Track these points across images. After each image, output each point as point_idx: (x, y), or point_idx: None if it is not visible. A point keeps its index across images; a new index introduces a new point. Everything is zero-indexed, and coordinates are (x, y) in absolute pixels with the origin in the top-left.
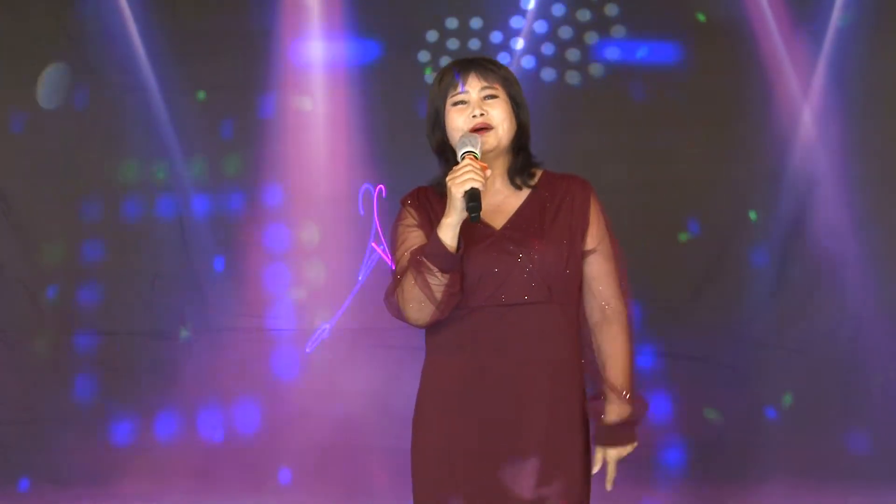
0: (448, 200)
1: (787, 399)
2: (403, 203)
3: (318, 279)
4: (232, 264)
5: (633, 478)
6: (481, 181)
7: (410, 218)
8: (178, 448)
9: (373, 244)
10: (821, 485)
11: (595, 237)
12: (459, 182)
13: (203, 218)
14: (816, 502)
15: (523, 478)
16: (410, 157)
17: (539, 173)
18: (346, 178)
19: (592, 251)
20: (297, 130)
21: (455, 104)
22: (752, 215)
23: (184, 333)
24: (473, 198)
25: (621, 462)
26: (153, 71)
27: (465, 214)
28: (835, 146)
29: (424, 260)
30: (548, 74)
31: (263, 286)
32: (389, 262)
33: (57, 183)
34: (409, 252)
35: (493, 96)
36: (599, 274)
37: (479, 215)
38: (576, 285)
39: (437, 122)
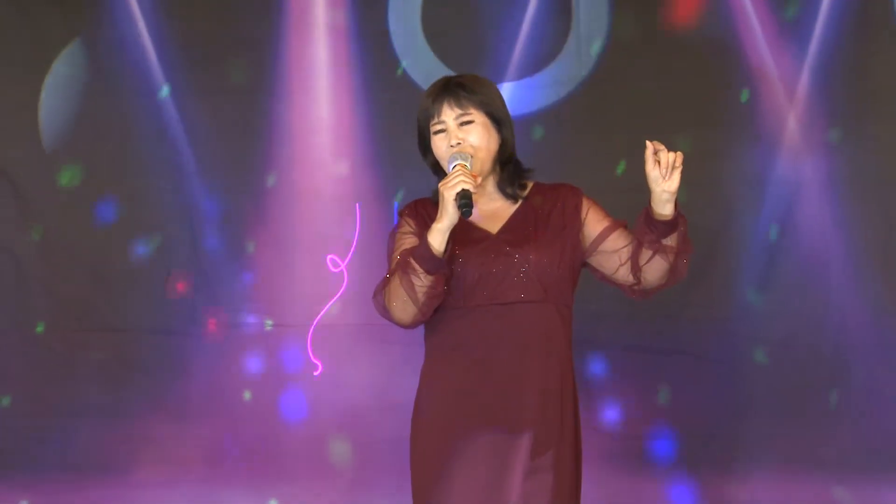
0: (440, 206)
1: (774, 392)
2: (401, 214)
3: (323, 276)
4: (241, 262)
5: (624, 470)
6: (472, 183)
7: (407, 226)
8: (188, 439)
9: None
10: (807, 475)
11: (600, 222)
12: (451, 186)
13: (213, 217)
14: (803, 492)
15: (517, 473)
16: (412, 157)
17: (530, 185)
18: (350, 178)
19: (607, 231)
20: (303, 132)
21: (436, 132)
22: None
23: (194, 329)
24: (465, 197)
25: (611, 456)
26: (164, 75)
27: (455, 219)
28: (819, 150)
29: (411, 261)
30: (546, 78)
31: (270, 284)
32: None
33: (73, 183)
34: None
35: (468, 122)
36: (625, 240)
37: (471, 211)
38: (568, 285)
39: (427, 146)
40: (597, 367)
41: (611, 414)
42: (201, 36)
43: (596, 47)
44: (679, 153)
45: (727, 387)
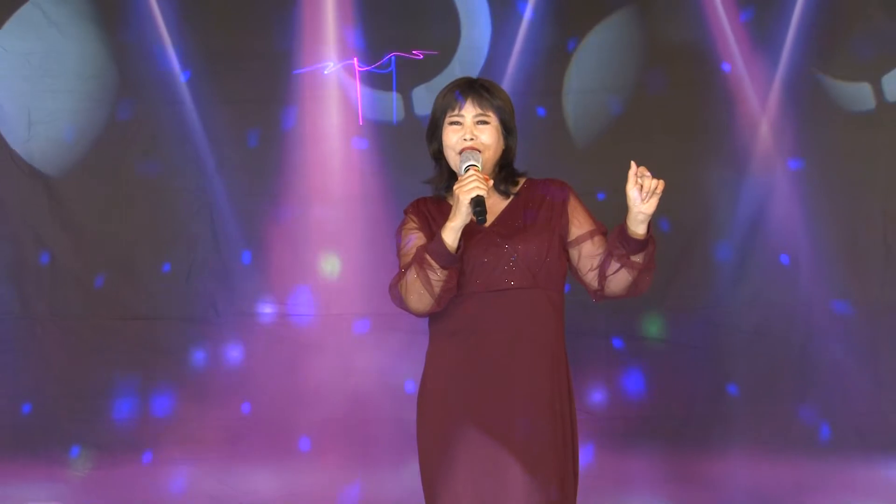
0: (454, 206)
1: (747, 377)
2: (406, 212)
3: (335, 270)
4: (257, 257)
5: (608, 450)
6: (485, 189)
7: (412, 223)
8: (209, 419)
9: None
10: (776, 455)
11: (583, 223)
12: (467, 190)
13: (231, 216)
14: (775, 468)
15: (514, 454)
16: (415, 162)
17: (522, 181)
18: (359, 179)
19: (587, 235)
20: (315, 139)
21: (451, 123)
22: None
23: (215, 318)
24: (479, 203)
25: (594, 437)
26: (187, 86)
27: (468, 219)
28: (789, 155)
29: (427, 256)
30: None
31: (285, 277)
32: None
33: (103, 185)
34: (414, 249)
35: (484, 122)
36: (600, 248)
37: (485, 218)
38: (558, 273)
39: (436, 133)
40: (582, 353)
41: (596, 397)
42: (221, 49)
43: (580, 56)
44: (661, 181)
45: (705, 371)
